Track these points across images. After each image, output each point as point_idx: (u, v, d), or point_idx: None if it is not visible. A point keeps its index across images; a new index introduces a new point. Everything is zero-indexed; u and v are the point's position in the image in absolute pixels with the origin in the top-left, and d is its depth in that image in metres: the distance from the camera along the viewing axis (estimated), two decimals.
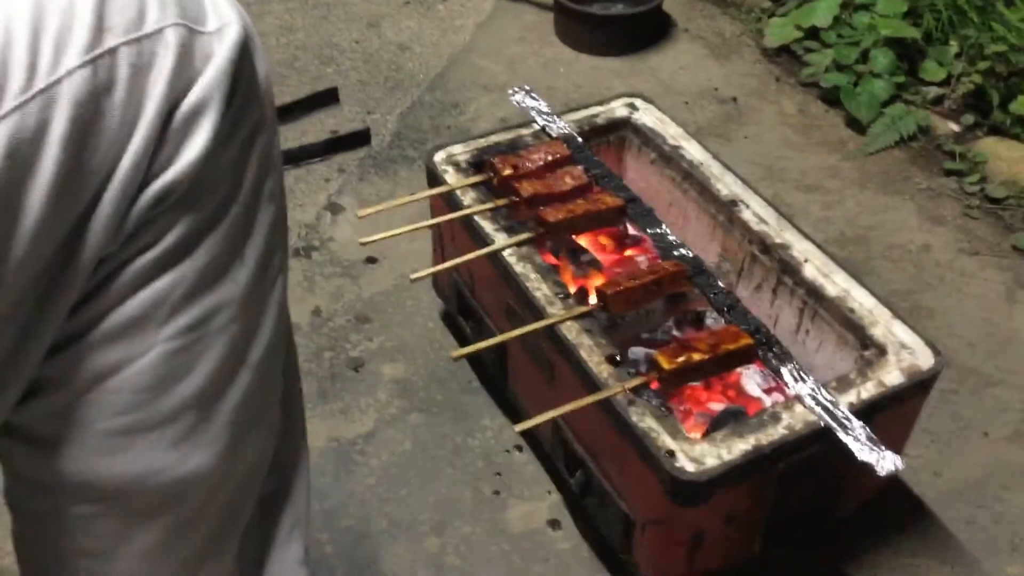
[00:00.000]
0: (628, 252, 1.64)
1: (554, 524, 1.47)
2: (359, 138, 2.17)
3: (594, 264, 1.58)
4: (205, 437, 0.68)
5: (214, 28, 0.60)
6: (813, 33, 2.44)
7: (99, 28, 0.55)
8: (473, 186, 1.53)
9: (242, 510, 0.77)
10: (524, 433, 1.52)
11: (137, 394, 0.64)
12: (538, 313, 1.34)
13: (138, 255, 0.60)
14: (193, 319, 0.64)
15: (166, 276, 0.62)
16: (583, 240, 1.62)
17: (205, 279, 0.64)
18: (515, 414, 1.57)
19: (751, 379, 1.45)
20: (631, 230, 1.65)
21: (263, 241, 0.68)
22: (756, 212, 1.51)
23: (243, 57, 0.62)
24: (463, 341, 1.69)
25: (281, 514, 0.85)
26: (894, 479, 1.49)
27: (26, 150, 0.52)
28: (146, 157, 0.57)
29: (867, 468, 1.15)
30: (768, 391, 1.44)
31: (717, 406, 1.41)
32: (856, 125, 2.27)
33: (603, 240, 1.65)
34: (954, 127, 2.24)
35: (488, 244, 1.43)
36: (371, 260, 1.89)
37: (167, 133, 0.58)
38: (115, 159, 0.56)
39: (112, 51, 0.55)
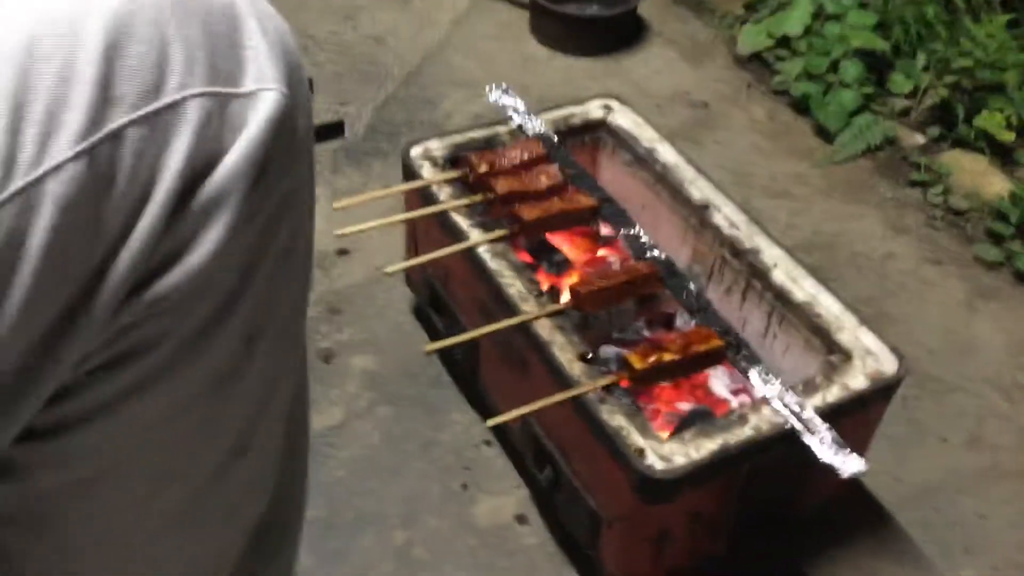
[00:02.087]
0: (600, 252, 1.66)
1: (521, 519, 1.48)
2: (333, 130, 2.17)
3: (567, 263, 1.59)
4: (193, 527, 0.61)
5: (249, 90, 0.49)
6: (785, 41, 2.48)
7: (102, 101, 0.44)
8: (449, 182, 1.53)
9: (226, 564, 0.73)
10: (493, 428, 1.53)
11: (115, 497, 0.56)
12: (512, 310, 1.35)
13: (125, 362, 0.50)
14: (186, 425, 0.55)
15: (154, 390, 0.52)
16: (556, 239, 1.63)
17: (203, 387, 0.54)
18: (485, 409, 1.58)
19: (719, 380, 1.48)
20: (604, 230, 1.67)
21: (283, 321, 0.57)
22: (727, 216, 1.53)
23: (280, 130, 0.50)
24: (434, 335, 1.70)
25: (274, 543, 0.81)
26: (854, 482, 1.52)
27: None
28: (146, 257, 0.47)
29: (830, 470, 1.17)
30: (735, 392, 1.46)
31: (685, 406, 1.43)
32: (824, 134, 2.30)
33: (576, 239, 1.67)
34: (920, 139, 2.29)
35: (463, 240, 1.44)
36: (343, 252, 1.89)
37: (173, 228, 0.47)
38: (107, 260, 0.46)
39: (116, 134, 0.44)
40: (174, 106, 0.46)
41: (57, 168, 0.43)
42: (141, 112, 0.45)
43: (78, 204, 0.44)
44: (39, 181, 0.42)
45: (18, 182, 0.42)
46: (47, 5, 0.44)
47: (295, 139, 0.52)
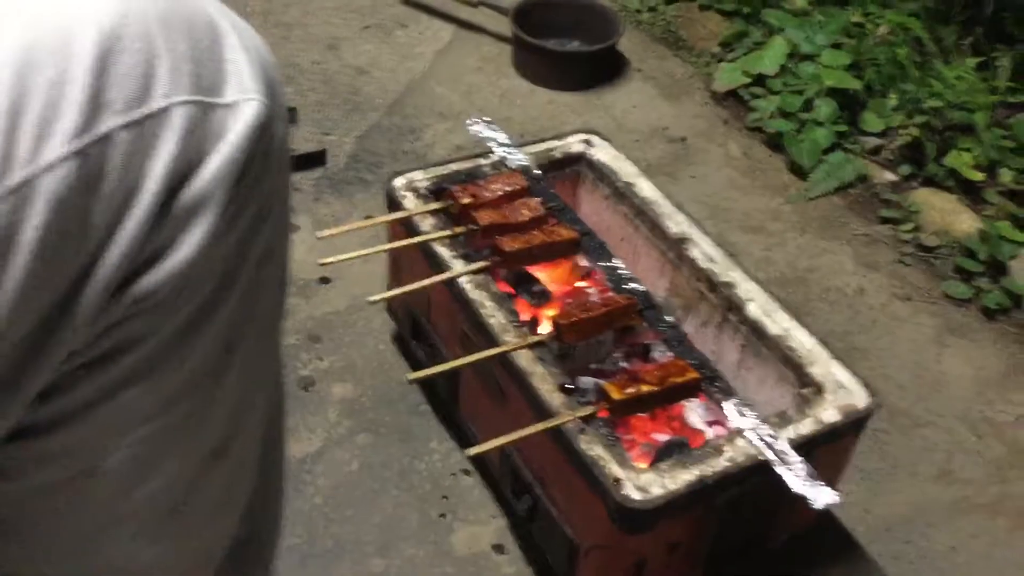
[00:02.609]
0: (579, 283, 1.68)
1: (499, 548, 1.50)
2: (315, 159, 2.19)
3: (546, 294, 1.61)
4: (170, 529, 0.62)
5: (230, 100, 0.53)
6: (760, 80, 2.53)
7: (94, 107, 0.47)
8: (432, 213, 1.56)
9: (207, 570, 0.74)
10: (472, 457, 1.54)
11: (93, 497, 0.58)
12: (492, 340, 1.37)
13: (108, 360, 0.53)
14: (166, 425, 0.57)
15: (136, 388, 0.54)
16: (536, 269, 1.66)
17: (184, 388, 0.56)
18: (464, 438, 1.59)
19: (694, 411, 1.50)
20: (583, 262, 1.69)
21: (260, 328, 0.60)
22: (704, 251, 1.56)
23: (259, 138, 0.54)
24: (414, 364, 1.71)
25: (250, 562, 0.82)
26: (826, 513, 1.54)
27: None
28: (132, 255, 0.50)
29: (804, 501, 1.20)
30: (710, 424, 1.48)
31: (662, 437, 1.45)
32: (798, 170, 2.35)
33: (556, 270, 1.69)
34: (891, 176, 2.34)
35: (445, 270, 1.46)
36: (324, 280, 1.91)
37: (158, 228, 0.50)
38: (95, 257, 0.49)
39: (106, 137, 0.48)
40: (160, 113, 0.49)
41: (50, 167, 0.46)
42: (129, 117, 0.48)
43: (69, 202, 0.47)
44: (33, 178, 0.45)
45: (13, 179, 0.45)
46: (43, 20, 0.48)
47: (273, 147, 0.55)
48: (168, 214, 0.50)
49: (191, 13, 0.52)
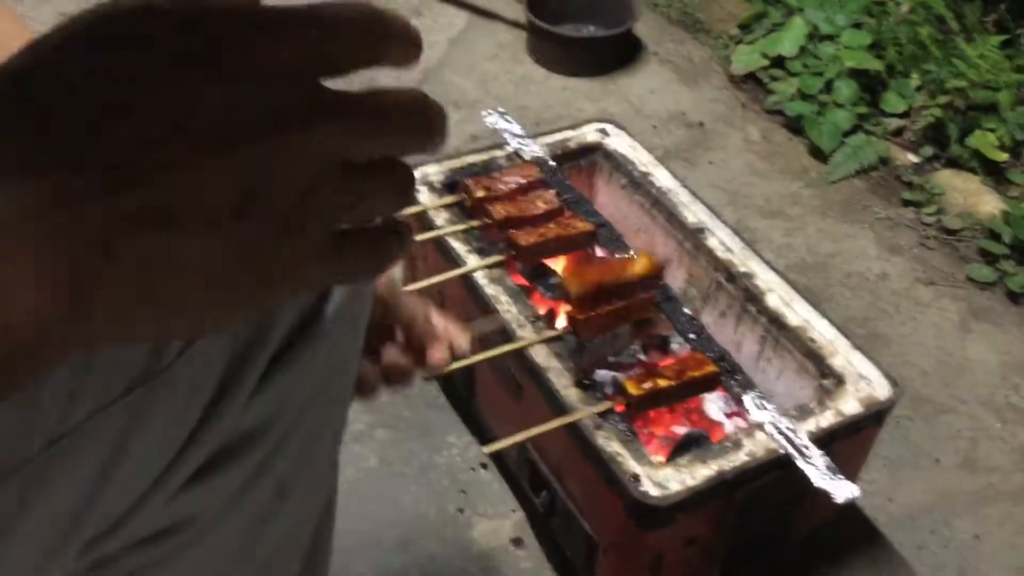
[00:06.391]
0: None
1: (517, 542, 1.49)
2: None
3: (562, 287, 1.60)
4: None
5: None
6: (779, 62, 2.49)
7: None
8: (446, 207, 1.55)
9: None
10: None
11: None
12: (508, 336, 1.36)
13: (161, 536, 0.56)
14: (217, 566, 0.62)
15: (192, 553, 0.58)
16: (552, 262, 1.64)
17: (237, 535, 0.61)
18: (481, 432, 1.59)
19: (714, 403, 1.49)
20: (600, 253, 1.68)
21: (312, 472, 0.64)
22: (722, 240, 1.54)
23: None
24: None
25: None
26: (848, 505, 1.53)
27: None
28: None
29: (824, 495, 1.18)
30: (730, 415, 1.47)
31: (680, 429, 1.44)
32: (818, 153, 2.32)
33: (572, 261, 1.68)
34: (913, 158, 2.30)
35: (460, 265, 1.45)
36: None
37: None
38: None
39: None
40: None
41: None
42: None
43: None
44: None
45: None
46: None
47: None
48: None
49: None
